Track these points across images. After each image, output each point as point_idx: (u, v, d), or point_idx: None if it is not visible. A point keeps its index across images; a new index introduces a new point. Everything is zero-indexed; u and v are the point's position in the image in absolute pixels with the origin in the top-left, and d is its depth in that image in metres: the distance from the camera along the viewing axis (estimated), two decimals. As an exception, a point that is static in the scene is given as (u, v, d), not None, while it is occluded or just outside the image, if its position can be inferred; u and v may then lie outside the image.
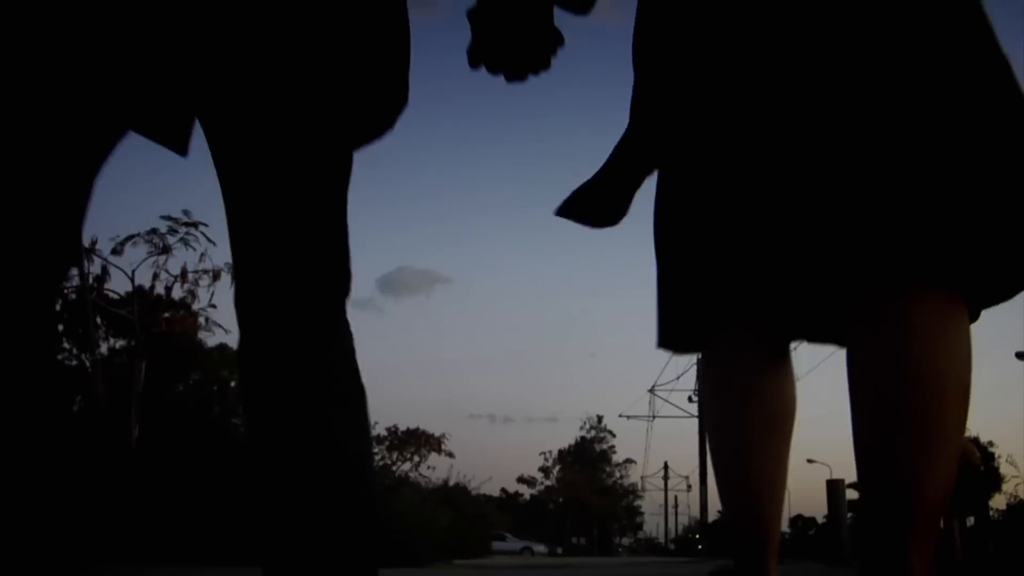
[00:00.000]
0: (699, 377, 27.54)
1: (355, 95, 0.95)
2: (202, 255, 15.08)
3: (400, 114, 1.02)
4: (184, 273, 15.19)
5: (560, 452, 52.39)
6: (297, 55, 0.90)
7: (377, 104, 0.99)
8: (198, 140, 0.95)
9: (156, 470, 7.92)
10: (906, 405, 0.92)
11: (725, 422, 1.10)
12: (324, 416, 0.92)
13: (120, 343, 22.00)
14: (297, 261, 0.95)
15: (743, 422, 1.08)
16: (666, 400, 27.54)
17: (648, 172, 1.15)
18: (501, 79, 1.13)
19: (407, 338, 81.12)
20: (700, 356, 1.11)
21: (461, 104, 76.62)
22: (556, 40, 1.17)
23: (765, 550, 1.09)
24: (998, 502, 16.80)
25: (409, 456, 23.75)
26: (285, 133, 0.91)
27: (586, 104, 78.09)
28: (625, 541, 60.11)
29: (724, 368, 1.09)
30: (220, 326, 16.78)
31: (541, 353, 75.66)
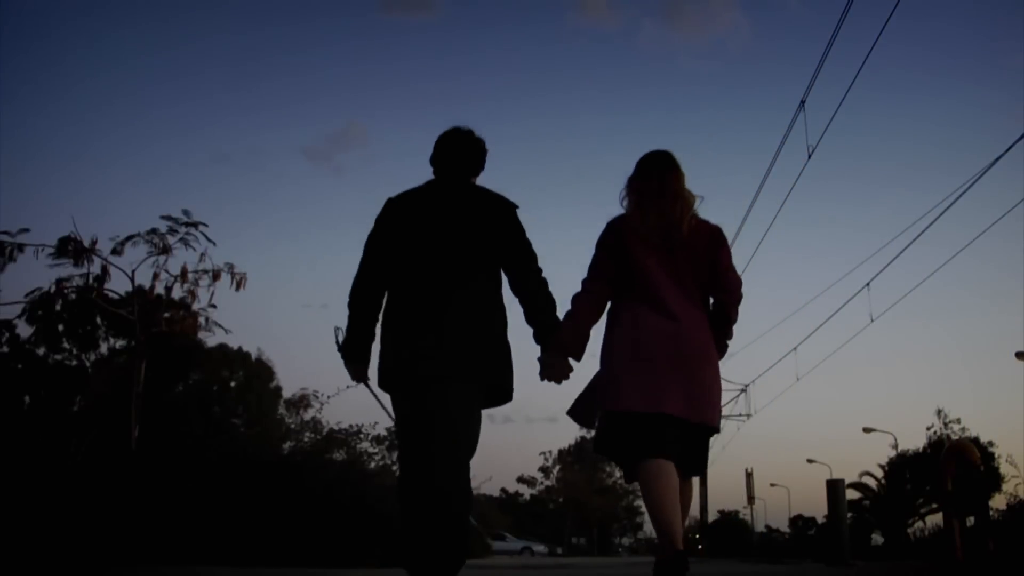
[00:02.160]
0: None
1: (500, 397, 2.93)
2: (202, 255, 15.07)
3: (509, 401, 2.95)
4: (184, 273, 15.15)
5: (560, 452, 52.43)
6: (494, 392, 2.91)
7: (502, 388, 2.85)
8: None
9: (156, 470, 7.92)
10: (667, 495, 2.77)
11: (659, 498, 2.80)
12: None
13: (120, 343, 22.01)
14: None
15: (659, 481, 2.81)
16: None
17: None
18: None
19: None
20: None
21: (460, 104, 76.57)
22: (571, 369, 2.98)
23: (680, 544, 2.67)
24: (998, 502, 16.81)
25: (409, 456, 23.73)
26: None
27: (584, 105, 78.14)
28: (625, 541, 60.11)
29: (649, 469, 2.82)
30: (220, 326, 16.70)
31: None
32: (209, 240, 14.95)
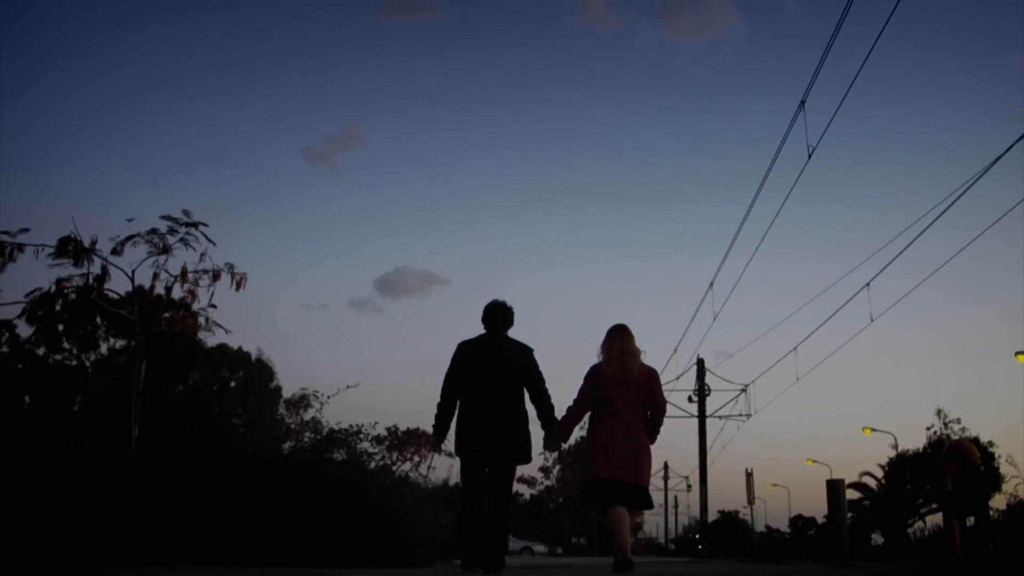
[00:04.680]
0: (698, 377, 27.51)
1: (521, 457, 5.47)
2: (202, 255, 15.02)
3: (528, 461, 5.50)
4: (184, 273, 15.11)
5: (560, 452, 52.35)
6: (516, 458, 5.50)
7: (522, 454, 5.43)
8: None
9: (156, 470, 7.92)
10: (622, 526, 5.33)
11: (613, 527, 5.36)
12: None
13: (120, 343, 21.98)
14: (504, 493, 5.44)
15: (617, 519, 5.34)
16: (666, 400, 27.36)
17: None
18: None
19: (406, 338, 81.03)
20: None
21: (459, 106, 76.53)
22: (561, 447, 6.05)
23: (628, 555, 5.27)
24: (998, 502, 16.76)
25: (409, 456, 23.70)
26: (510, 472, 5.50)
27: (582, 106, 78.09)
28: (625, 541, 59.86)
29: (612, 511, 5.38)
30: (220, 326, 16.64)
31: (539, 354, 75.34)
32: (209, 240, 14.92)
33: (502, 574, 5.26)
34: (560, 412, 5.58)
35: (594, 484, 5.46)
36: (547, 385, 5.50)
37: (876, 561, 17.76)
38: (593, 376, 5.55)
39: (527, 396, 5.47)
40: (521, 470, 7.63)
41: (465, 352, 5.41)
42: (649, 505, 5.63)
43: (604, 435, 5.44)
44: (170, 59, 62.39)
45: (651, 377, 5.65)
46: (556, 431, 5.58)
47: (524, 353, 5.47)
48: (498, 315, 5.51)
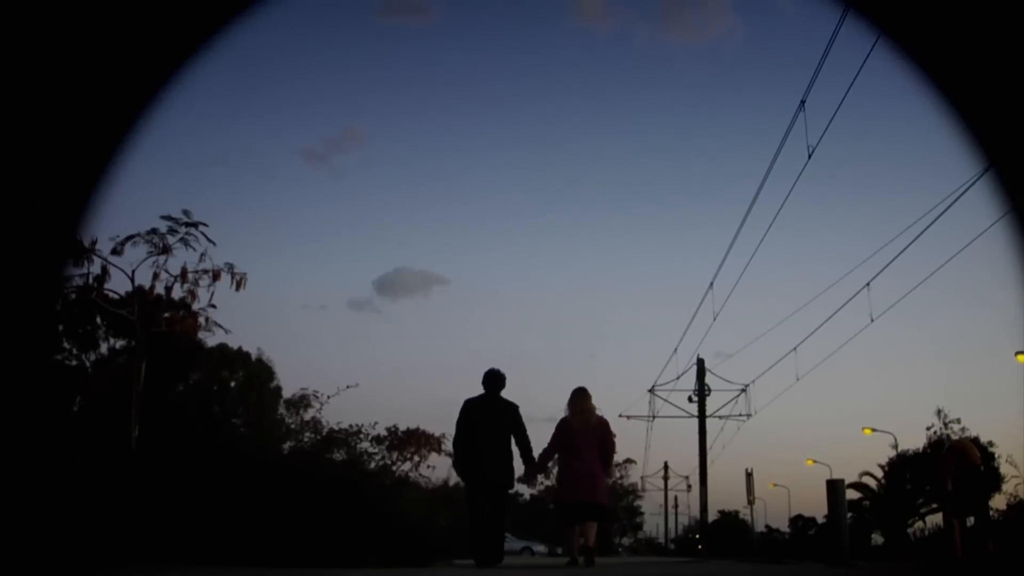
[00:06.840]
0: (698, 377, 27.49)
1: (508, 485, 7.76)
2: (202, 255, 15.07)
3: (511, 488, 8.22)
4: (184, 273, 15.14)
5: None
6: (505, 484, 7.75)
7: (509, 483, 7.81)
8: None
9: (156, 470, 7.92)
10: (587, 534, 7.61)
11: (569, 538, 7.93)
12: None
13: (120, 343, 21.98)
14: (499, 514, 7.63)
15: (574, 537, 7.72)
16: (666, 400, 27.24)
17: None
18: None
19: (406, 339, 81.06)
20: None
21: (458, 107, 76.55)
22: (537, 477, 9.73)
23: (576, 554, 7.67)
24: (998, 502, 16.76)
25: (409, 456, 23.73)
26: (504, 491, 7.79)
27: (580, 108, 78.06)
28: (625, 541, 60.09)
29: (572, 528, 7.79)
30: (220, 326, 16.68)
31: (540, 354, 75.40)
32: (209, 240, 14.98)
33: (504, 572, 6.47)
34: (537, 451, 7.67)
35: (565, 507, 7.76)
36: (528, 432, 7.58)
37: (876, 561, 17.76)
38: (562, 426, 7.82)
39: (513, 440, 7.45)
40: (520, 468, 8.76)
41: (470, 408, 7.41)
42: (606, 519, 8.08)
43: (570, 470, 7.75)
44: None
45: (603, 425, 7.92)
46: (533, 466, 7.77)
47: (512, 409, 7.54)
48: (494, 380, 7.53)
